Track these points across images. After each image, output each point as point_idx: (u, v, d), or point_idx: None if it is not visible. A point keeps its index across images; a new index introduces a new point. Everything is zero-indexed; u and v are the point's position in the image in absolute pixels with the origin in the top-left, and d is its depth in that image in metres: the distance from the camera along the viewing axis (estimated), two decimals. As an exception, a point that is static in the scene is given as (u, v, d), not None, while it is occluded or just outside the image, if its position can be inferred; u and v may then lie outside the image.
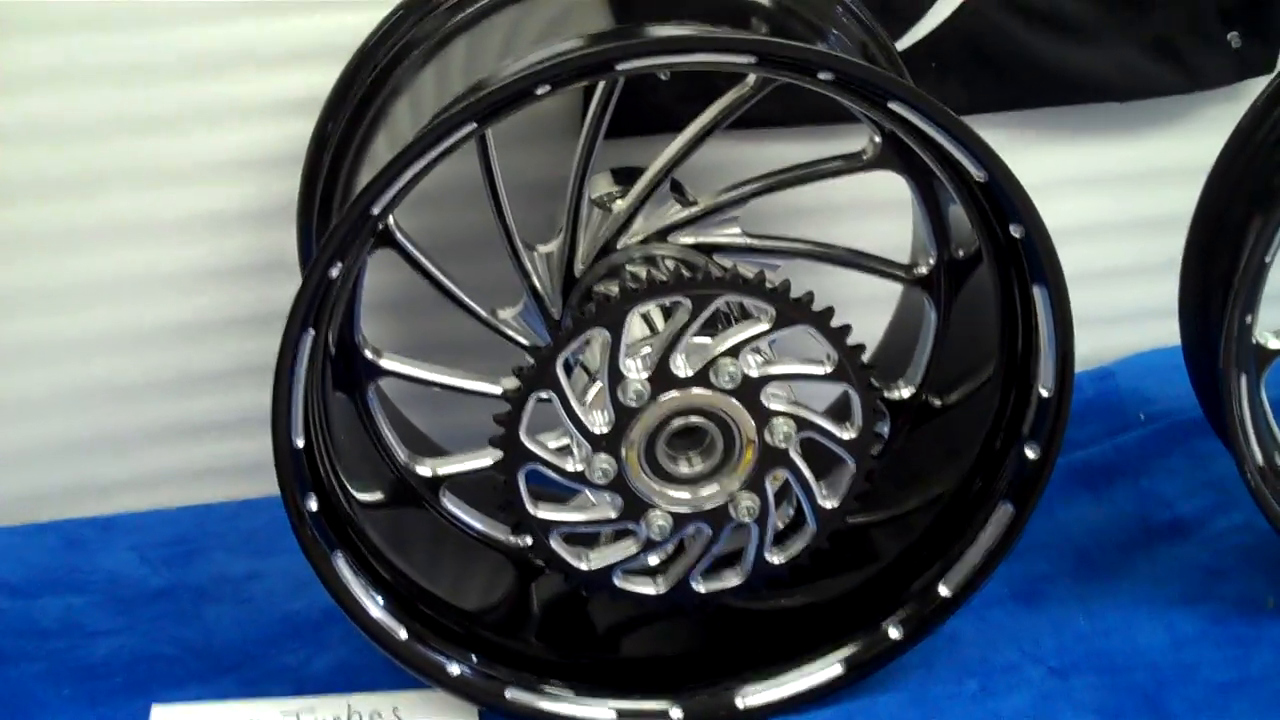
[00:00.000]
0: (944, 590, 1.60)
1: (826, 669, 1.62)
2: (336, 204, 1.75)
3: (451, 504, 1.68)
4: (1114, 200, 2.05)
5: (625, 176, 1.74)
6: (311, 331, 1.42)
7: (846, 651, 1.63)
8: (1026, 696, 1.63)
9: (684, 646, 1.67)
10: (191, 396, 1.96)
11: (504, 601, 1.70)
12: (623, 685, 1.62)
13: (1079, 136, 2.02)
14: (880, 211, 1.86)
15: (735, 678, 1.63)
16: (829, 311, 1.44)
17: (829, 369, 1.46)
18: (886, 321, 1.83)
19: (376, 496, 1.64)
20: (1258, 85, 1.97)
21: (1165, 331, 2.03)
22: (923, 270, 1.63)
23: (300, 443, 1.46)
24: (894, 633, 1.61)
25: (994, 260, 1.53)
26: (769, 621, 1.65)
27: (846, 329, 1.45)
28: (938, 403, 1.69)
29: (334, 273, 1.40)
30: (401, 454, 1.65)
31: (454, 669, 1.58)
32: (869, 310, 1.67)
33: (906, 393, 1.69)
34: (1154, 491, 1.91)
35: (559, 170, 1.81)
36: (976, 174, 1.43)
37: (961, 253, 1.62)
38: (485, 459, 1.60)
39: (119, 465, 1.98)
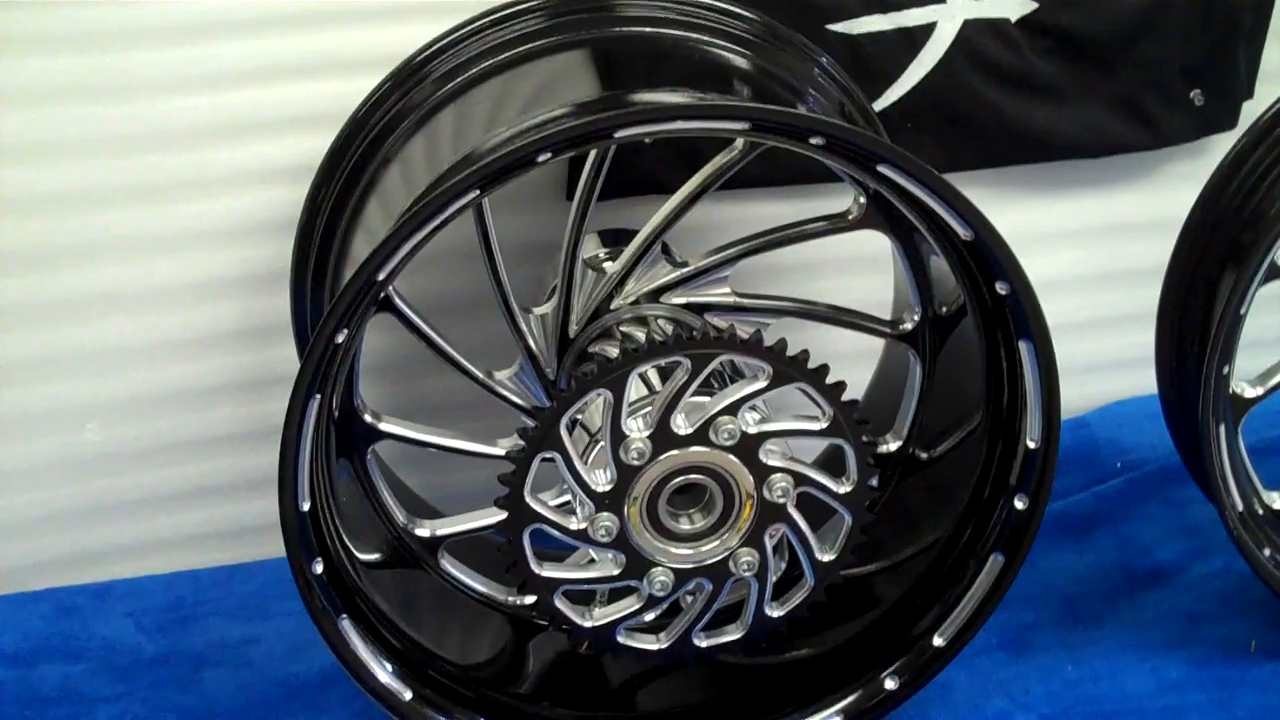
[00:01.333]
0: (938, 640, 1.63)
1: (827, 720, 1.64)
2: (330, 269, 1.76)
3: (450, 565, 1.69)
4: (1085, 253, 2.10)
5: (612, 239, 1.78)
6: (318, 396, 1.43)
7: (844, 702, 1.66)
8: (1019, 744, 1.65)
9: (689, 701, 1.69)
10: (184, 462, 1.97)
11: (505, 661, 1.71)
12: None
13: (1050, 193, 2.06)
14: (861, 269, 1.91)
15: (739, 732, 1.64)
16: (824, 369, 1.47)
17: (824, 424, 1.48)
18: (869, 376, 1.85)
19: (375, 557, 1.64)
20: (1221, 140, 2.03)
21: (1138, 381, 2.11)
22: (907, 326, 1.66)
23: (306, 506, 1.47)
24: (890, 683, 1.64)
25: (979, 315, 1.56)
26: (770, 675, 1.67)
27: (841, 385, 1.48)
28: (924, 455, 1.72)
29: (340, 338, 1.42)
30: (400, 515, 1.67)
31: (457, 731, 1.59)
32: (852, 365, 1.69)
33: (894, 446, 1.72)
34: (1134, 539, 1.94)
35: (544, 234, 1.86)
36: (963, 234, 1.46)
37: (945, 309, 1.65)
38: (484, 519, 1.63)
39: (112, 532, 1.98)
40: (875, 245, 1.72)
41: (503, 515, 1.55)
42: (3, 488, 1.94)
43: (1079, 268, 2.10)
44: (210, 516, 2.00)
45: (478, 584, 1.71)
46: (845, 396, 1.49)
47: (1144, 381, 2.06)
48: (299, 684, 1.78)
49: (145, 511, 1.98)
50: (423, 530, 1.67)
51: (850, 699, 1.66)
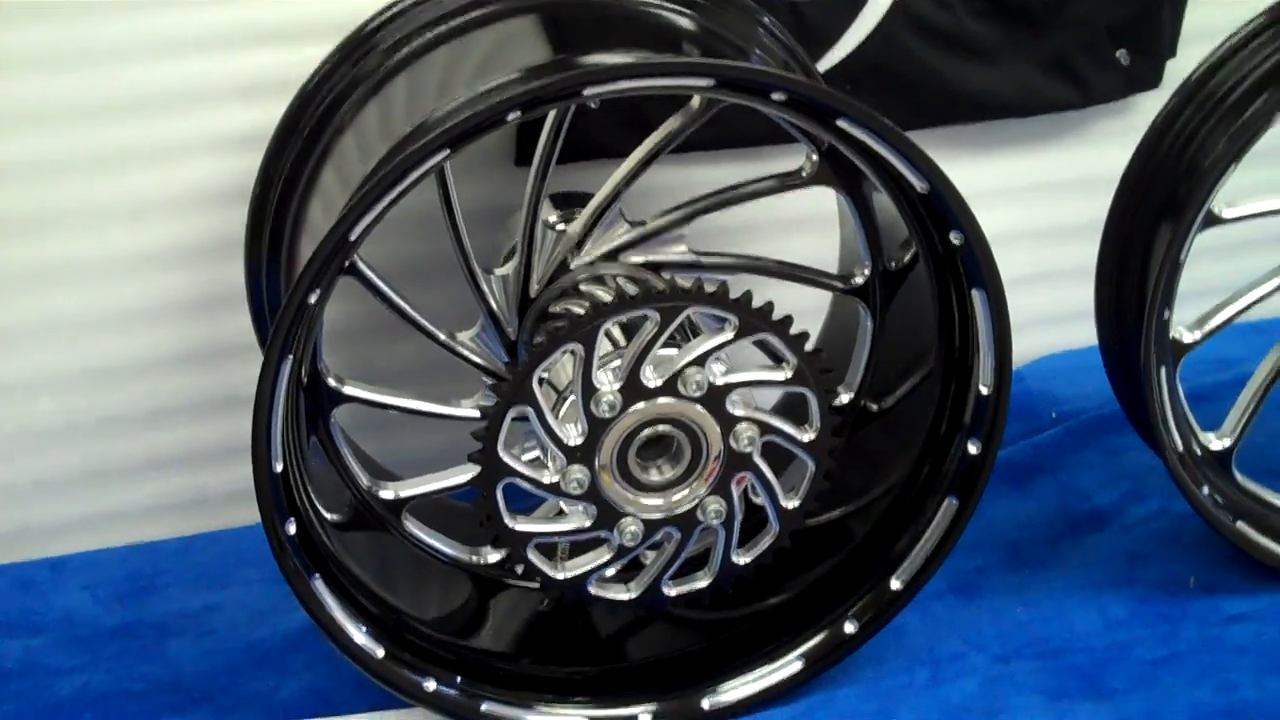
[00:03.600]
0: (895, 584, 1.66)
1: (787, 666, 1.68)
2: (286, 239, 1.77)
3: (414, 526, 1.70)
4: (1018, 211, 2.15)
5: (563, 202, 1.79)
6: (290, 357, 1.43)
7: (805, 647, 1.69)
8: (974, 682, 1.70)
9: (655, 654, 1.71)
10: (139, 434, 1.96)
11: (474, 619, 1.72)
12: (597, 693, 1.66)
13: (984, 152, 2.11)
14: (806, 229, 1.94)
15: (703, 680, 1.68)
16: (788, 319, 1.50)
17: (789, 374, 1.51)
18: (816, 332, 1.88)
19: (340, 519, 1.65)
20: (1146, 99, 2.09)
21: (1068, 335, 2.17)
22: (858, 280, 1.70)
23: (279, 467, 1.47)
24: (849, 627, 1.67)
25: (931, 266, 1.59)
26: (734, 625, 1.69)
27: (805, 335, 1.51)
28: (875, 407, 1.75)
29: (312, 299, 1.42)
30: (364, 478, 1.67)
31: (430, 685, 1.60)
32: (799, 321, 1.72)
33: (845, 398, 1.75)
34: (1073, 485, 1.99)
35: (495, 201, 1.88)
36: (919, 186, 1.50)
37: (894, 263, 1.68)
38: (448, 480, 1.64)
39: (66, 506, 1.97)
40: (819, 206, 1.76)
41: (464, 476, 1.57)
42: (-49, 464, 1.92)
43: (1012, 224, 2.14)
44: (166, 488, 1.99)
45: (441, 544, 1.72)
46: (807, 347, 1.51)
47: (1074, 335, 2.15)
48: (264, 649, 1.78)
49: (100, 484, 1.97)
50: (387, 492, 1.68)
51: (812, 643, 1.69)
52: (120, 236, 1.87)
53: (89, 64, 1.79)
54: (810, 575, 1.72)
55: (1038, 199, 2.17)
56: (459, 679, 1.63)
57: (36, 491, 1.94)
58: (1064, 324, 2.14)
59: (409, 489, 1.69)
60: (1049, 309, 2.19)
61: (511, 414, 1.49)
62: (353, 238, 1.42)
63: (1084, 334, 2.01)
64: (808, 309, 1.84)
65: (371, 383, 1.66)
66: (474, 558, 1.72)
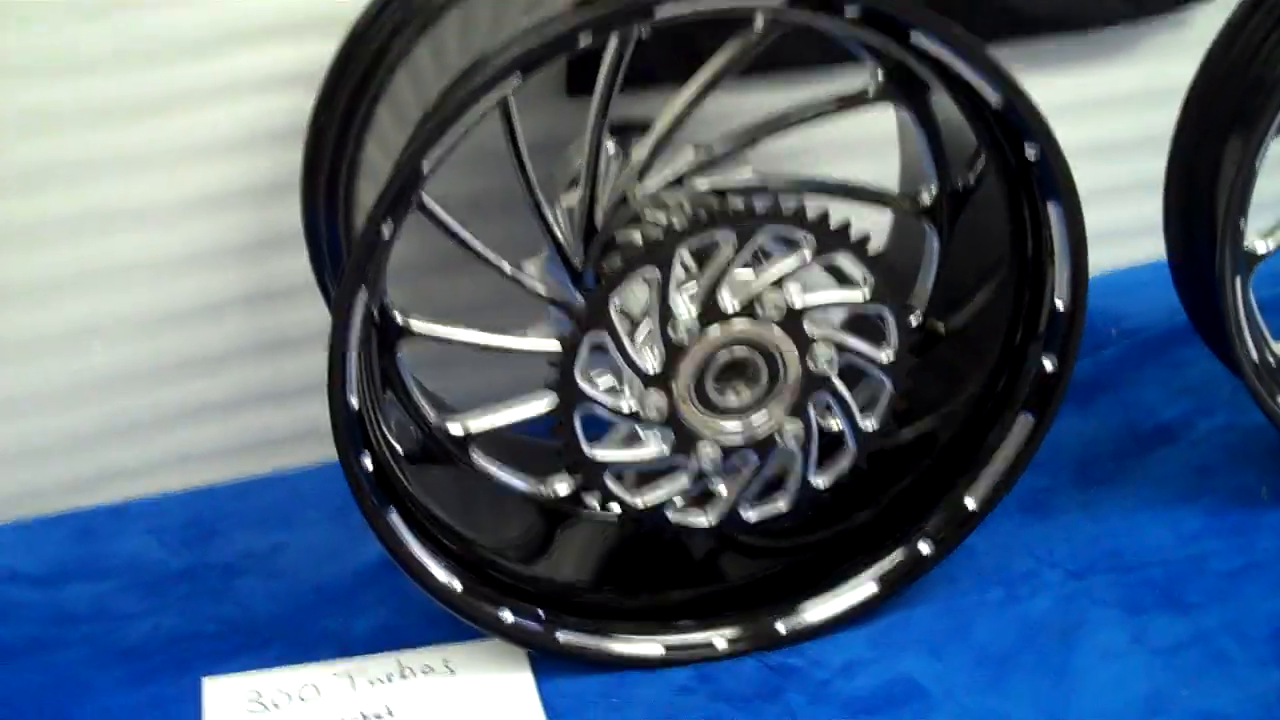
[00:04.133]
0: (970, 503, 1.65)
1: (863, 588, 1.67)
2: (343, 178, 1.74)
3: (482, 460, 1.68)
4: (1073, 129, 2.10)
5: (619, 130, 1.75)
6: (364, 290, 1.42)
7: (880, 569, 1.67)
8: (1049, 599, 1.68)
9: (730, 581, 1.70)
10: (194, 379, 1.94)
11: (541, 550, 1.71)
12: (672, 619, 1.65)
13: (1038, 70, 2.06)
14: (861, 152, 1.91)
15: (776, 605, 1.67)
16: (867, 238, 1.48)
17: (868, 293, 1.49)
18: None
19: (409, 453, 1.64)
20: (1200, 10, 2.06)
21: (1124, 252, 2.14)
22: (925, 200, 1.67)
23: (355, 401, 1.46)
24: (925, 548, 1.65)
25: (1004, 182, 1.57)
26: (808, 550, 1.68)
27: (883, 254, 1.49)
28: (942, 327, 1.73)
29: (385, 232, 1.40)
30: (432, 414, 1.66)
31: (508, 616, 1.59)
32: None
33: (914, 320, 1.73)
34: (1138, 401, 1.97)
35: (547, 133, 1.83)
36: (993, 99, 1.47)
37: (960, 182, 1.66)
38: (519, 413, 1.62)
39: (123, 453, 1.95)
40: (875, 127, 1.74)
41: (536, 408, 1.55)
42: (8, 413, 1.89)
43: (1067, 141, 2.10)
44: (223, 431, 1.97)
45: (512, 478, 1.70)
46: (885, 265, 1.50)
47: (1133, 252, 2.12)
48: (333, 588, 1.76)
49: (156, 430, 1.95)
50: (455, 427, 1.66)
51: (887, 565, 1.67)
52: (169, 180, 1.84)
53: (129, 7, 1.75)
54: (883, 497, 1.71)
55: (1093, 115, 2.13)
56: (539, 610, 1.61)
57: (92, 440, 1.92)
58: (1122, 241, 2.12)
59: (479, 422, 1.66)
60: (1106, 226, 2.13)
61: (588, 341, 1.47)
62: (425, 170, 1.40)
63: (1142, 250, 2.00)
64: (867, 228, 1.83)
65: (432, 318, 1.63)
66: (544, 490, 1.70)
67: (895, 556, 1.67)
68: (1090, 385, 1.99)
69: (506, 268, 1.61)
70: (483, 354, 1.63)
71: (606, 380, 1.55)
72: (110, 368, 1.91)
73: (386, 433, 1.55)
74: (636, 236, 1.60)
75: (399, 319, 1.58)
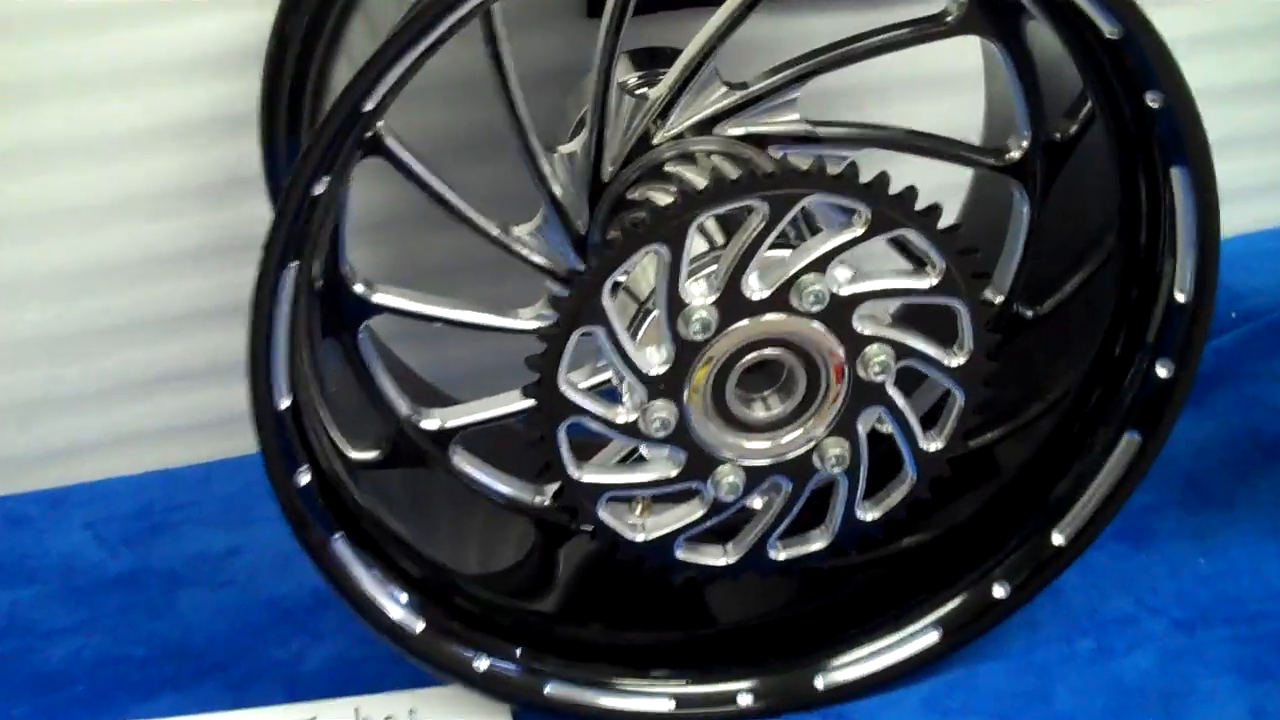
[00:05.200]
0: (1057, 538, 1.33)
1: (920, 636, 1.35)
2: (307, 107, 1.44)
3: (464, 462, 1.37)
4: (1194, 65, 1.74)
5: (647, 59, 1.42)
6: (294, 264, 1.09)
7: (942, 612, 1.36)
8: (1150, 655, 1.37)
9: (753, 615, 1.38)
10: (147, 343, 1.64)
11: (536, 575, 1.39)
12: (683, 665, 1.34)
13: None
14: (937, 89, 1.58)
15: (814, 650, 1.36)
16: (936, 210, 1.13)
17: (935, 280, 1.14)
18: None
19: (373, 456, 1.32)
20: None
21: (1252, 215, 1.78)
22: (1014, 154, 1.32)
23: (285, 403, 1.14)
24: (999, 590, 1.33)
25: (1114, 136, 1.22)
26: (851, 579, 1.36)
27: (957, 229, 1.14)
28: (1029, 313, 1.39)
29: (319, 189, 1.08)
30: (403, 405, 1.34)
31: (482, 664, 1.28)
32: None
33: (995, 300, 1.38)
34: (1261, 399, 1.63)
35: (563, 58, 1.51)
36: (1109, 29, 1.12)
37: (1059, 133, 1.31)
38: (506, 405, 1.30)
39: (66, 428, 1.65)
40: (957, 61, 1.39)
41: (527, 401, 1.22)
42: (-67, 380, 1.60)
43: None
44: (182, 406, 1.67)
45: (498, 483, 1.38)
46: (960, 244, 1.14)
47: (1252, 215, 1.76)
48: (289, 605, 1.48)
49: (104, 403, 1.65)
50: (430, 422, 1.34)
51: (949, 607, 1.36)
52: (119, 105, 1.53)
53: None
54: (950, 519, 1.38)
55: (1216, 49, 1.76)
56: (518, 651, 1.31)
57: (29, 413, 1.63)
58: (1243, 201, 1.75)
59: (458, 416, 1.36)
60: (1225, 184, 1.78)
61: (577, 335, 1.13)
62: (368, 108, 1.07)
63: (1270, 212, 1.63)
64: (935, 190, 1.48)
65: (414, 284, 1.33)
66: (538, 498, 1.37)
67: (961, 599, 1.35)
68: (1203, 380, 1.59)
69: (493, 229, 1.28)
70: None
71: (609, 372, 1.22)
72: (47, 329, 1.60)
73: (334, 434, 1.23)
74: (656, 195, 1.26)
75: (359, 289, 1.26)
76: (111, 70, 1.51)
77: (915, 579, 1.37)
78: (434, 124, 1.50)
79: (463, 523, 1.38)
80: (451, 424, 1.35)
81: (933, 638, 1.34)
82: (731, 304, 1.13)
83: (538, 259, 1.30)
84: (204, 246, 1.60)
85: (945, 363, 1.19)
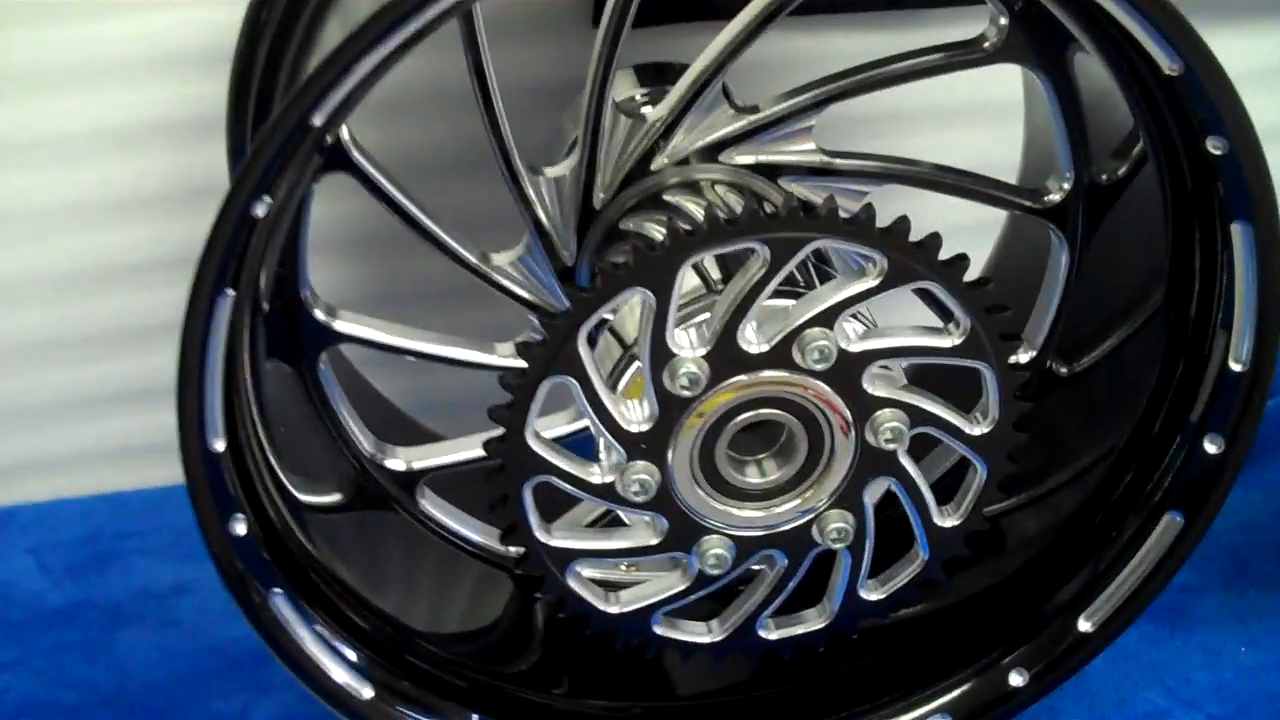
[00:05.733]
0: (1084, 625, 1.18)
1: (925, 725, 1.18)
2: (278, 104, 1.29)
3: (433, 507, 1.24)
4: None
5: (652, 75, 1.29)
6: (230, 293, 0.96)
7: (949, 698, 1.21)
8: (1182, 757, 1.22)
9: (724, 692, 1.24)
10: (103, 358, 1.52)
11: (506, 633, 1.25)
12: None
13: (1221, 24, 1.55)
14: (971, 120, 1.44)
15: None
16: (962, 261, 0.99)
17: (958, 339, 1.00)
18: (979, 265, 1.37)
19: (332, 499, 1.19)
20: None
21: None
22: (1054, 196, 1.18)
23: (220, 445, 1.00)
24: (1016, 679, 1.18)
25: (1167, 182, 1.08)
26: (844, 655, 1.20)
27: (985, 284, 1.00)
28: (1064, 370, 1.25)
29: (260, 210, 0.94)
30: (366, 443, 1.20)
31: (436, 734, 1.14)
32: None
33: (1024, 358, 1.23)
34: (1315, 469, 1.47)
35: (564, 72, 1.36)
36: (1167, 65, 0.97)
37: (1105, 175, 1.17)
38: (481, 447, 1.16)
39: (15, 445, 1.52)
40: (990, 92, 1.26)
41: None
42: None
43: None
44: (137, 425, 1.54)
45: (470, 531, 1.26)
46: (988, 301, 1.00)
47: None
48: (238, 651, 1.34)
49: (55, 419, 1.53)
50: (395, 462, 1.21)
51: (958, 692, 1.21)
52: (76, 104, 1.40)
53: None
54: (959, 593, 1.23)
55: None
56: (474, 717, 1.17)
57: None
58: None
59: (427, 457, 1.23)
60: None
61: (548, 384, 0.99)
62: (316, 121, 0.93)
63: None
64: (963, 230, 1.33)
65: (389, 307, 1.22)
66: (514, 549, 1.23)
67: (971, 685, 1.21)
68: (1255, 446, 1.46)
69: (470, 256, 1.14)
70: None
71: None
72: (-3, 339, 1.47)
73: (282, 476, 1.09)
74: (653, 227, 1.13)
75: (320, 316, 1.13)
76: (65, 69, 1.38)
77: (917, 657, 1.23)
78: (410, 139, 1.37)
79: (425, 574, 1.25)
80: (419, 465, 1.22)
81: (939, 729, 1.20)
82: (725, 357, 0.99)
83: (519, 291, 1.17)
84: (165, 258, 1.47)
85: (966, 431, 1.05)
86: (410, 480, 1.23)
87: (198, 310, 0.96)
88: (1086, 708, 1.27)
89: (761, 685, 1.23)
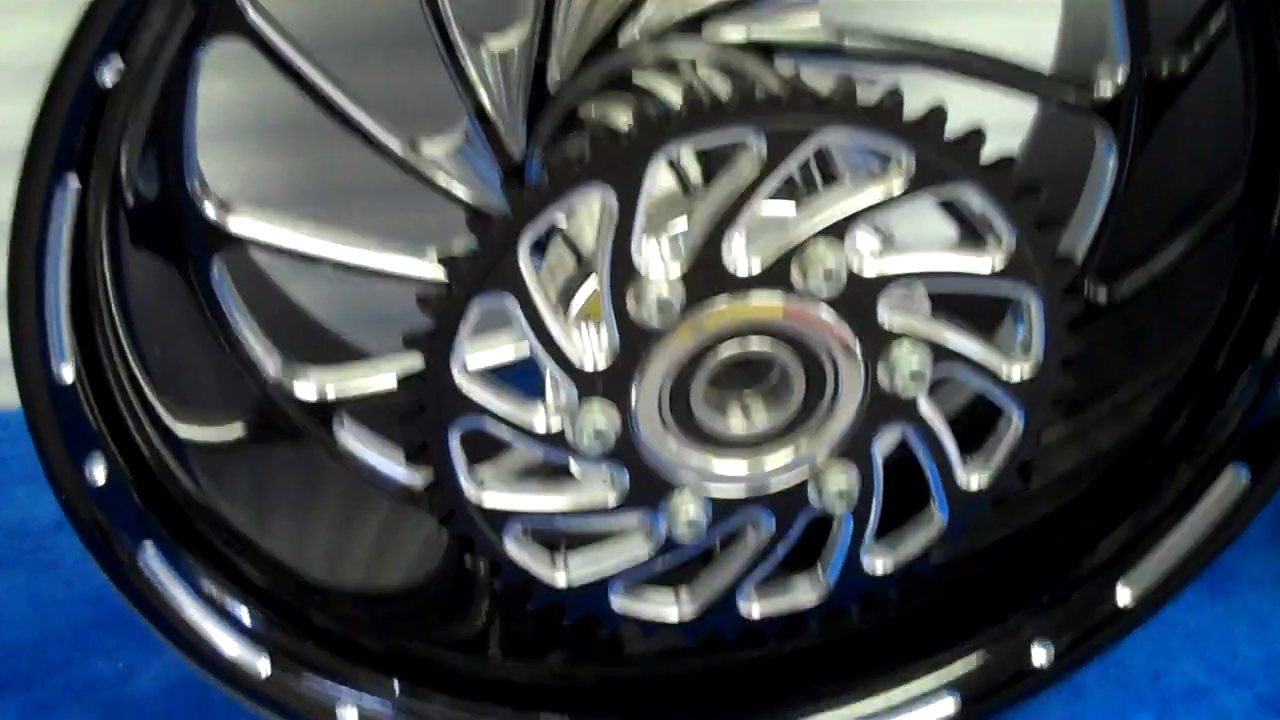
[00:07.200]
0: (1123, 596, 1.00)
1: (931, 702, 1.02)
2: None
3: (353, 441, 1.05)
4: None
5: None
6: (72, 181, 0.73)
7: (961, 673, 1.02)
8: (1226, 740, 1.07)
9: (714, 658, 1.03)
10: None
11: (435, 588, 1.05)
12: (626, 713, 1.02)
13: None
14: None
15: (776, 710, 1.02)
16: (1008, 164, 0.77)
17: (1000, 261, 0.79)
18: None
19: (227, 434, 0.99)
20: None
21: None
22: (1104, 91, 1.00)
23: (69, 375, 0.79)
24: (1039, 655, 1.00)
25: (1258, 67, 0.89)
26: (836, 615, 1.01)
27: (1037, 193, 0.78)
28: (1103, 298, 1.05)
29: (108, 76, 0.72)
30: (271, 365, 1.01)
31: (348, 713, 0.93)
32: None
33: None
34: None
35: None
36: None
37: (1167, 67, 0.98)
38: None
39: None
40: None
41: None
42: None
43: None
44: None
45: (398, 470, 1.04)
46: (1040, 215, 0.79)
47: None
48: (121, 603, 1.12)
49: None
50: (306, 388, 1.03)
51: (968, 666, 1.03)
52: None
53: None
54: (975, 554, 1.03)
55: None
56: (396, 686, 0.98)
57: None
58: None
59: (345, 382, 1.04)
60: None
61: (478, 304, 0.77)
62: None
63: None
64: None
65: (318, 202, 1.12)
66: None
67: (983, 658, 1.03)
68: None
69: (395, 145, 0.93)
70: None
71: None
72: None
73: (159, 408, 0.88)
74: (619, 115, 0.91)
75: (210, 213, 0.92)
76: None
77: (923, 626, 1.05)
78: (329, 7, 1.15)
79: (340, 519, 1.04)
80: (334, 392, 1.02)
81: (947, 707, 1.02)
82: (705, 277, 0.78)
83: (455, 189, 0.97)
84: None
85: (1003, 374, 0.83)
86: (325, 410, 1.03)
87: (30, 203, 0.74)
88: (1116, 682, 1.10)
89: (727, 649, 1.03)
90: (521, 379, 0.87)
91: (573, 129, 0.96)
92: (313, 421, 1.04)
